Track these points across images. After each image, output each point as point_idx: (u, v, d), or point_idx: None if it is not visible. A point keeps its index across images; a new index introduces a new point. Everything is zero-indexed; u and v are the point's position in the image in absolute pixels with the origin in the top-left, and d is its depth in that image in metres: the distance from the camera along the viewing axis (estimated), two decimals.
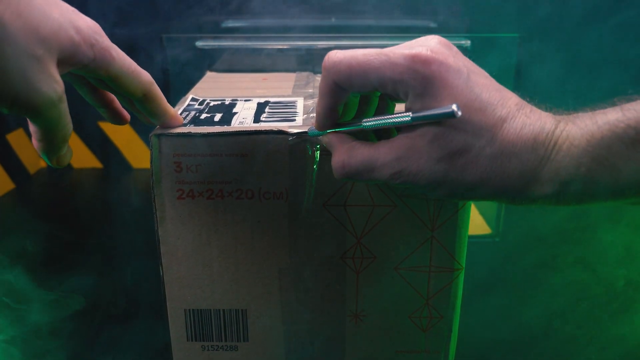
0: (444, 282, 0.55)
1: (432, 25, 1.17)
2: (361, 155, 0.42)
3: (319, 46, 0.94)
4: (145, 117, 0.51)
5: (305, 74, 0.78)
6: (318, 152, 0.50)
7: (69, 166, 1.35)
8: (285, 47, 0.95)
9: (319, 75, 0.75)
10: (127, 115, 0.52)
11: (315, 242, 0.53)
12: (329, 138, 0.45)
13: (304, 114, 0.56)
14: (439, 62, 0.39)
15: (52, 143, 0.42)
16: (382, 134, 0.47)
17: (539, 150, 0.39)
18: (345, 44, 0.93)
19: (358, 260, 0.54)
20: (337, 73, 0.41)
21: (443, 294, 0.55)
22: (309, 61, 0.90)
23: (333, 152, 0.45)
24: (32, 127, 0.42)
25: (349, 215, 0.52)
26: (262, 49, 0.98)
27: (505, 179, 0.39)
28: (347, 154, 0.43)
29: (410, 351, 0.57)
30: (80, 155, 1.35)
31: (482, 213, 1.07)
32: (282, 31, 1.16)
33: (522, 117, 0.39)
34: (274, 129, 0.50)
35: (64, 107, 0.40)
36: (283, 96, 0.64)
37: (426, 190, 0.41)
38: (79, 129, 1.32)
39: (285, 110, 0.57)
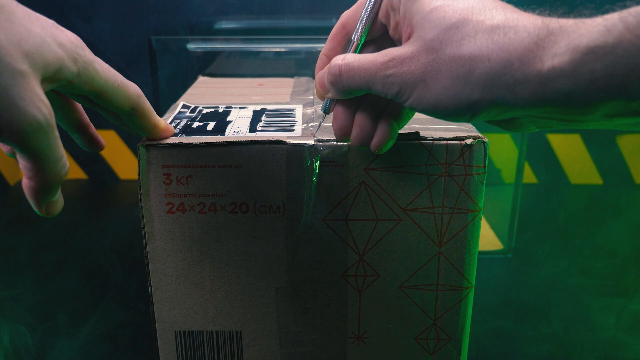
0: (452, 301, 0.55)
1: None
2: (358, 57, 0.44)
3: (319, 49, 0.94)
4: (133, 131, 0.50)
5: (304, 79, 0.79)
6: (317, 163, 0.50)
7: None
8: (282, 49, 0.95)
9: None
10: (103, 142, 0.51)
11: (314, 259, 0.53)
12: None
13: (303, 123, 0.56)
14: None
15: (43, 181, 0.40)
16: None
17: (550, 22, 0.37)
18: None
19: (360, 278, 0.54)
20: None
21: (451, 314, 0.55)
22: (308, 65, 0.90)
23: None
24: (21, 163, 0.39)
25: (350, 230, 0.52)
26: (258, 52, 0.99)
27: (511, 51, 0.37)
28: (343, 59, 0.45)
29: None
30: None
31: (493, 227, 1.07)
32: (280, 33, 1.17)
33: None
34: (272, 139, 0.50)
35: (54, 135, 0.38)
36: (281, 103, 0.64)
37: (425, 75, 0.40)
38: (62, 138, 1.32)
39: (283, 118, 0.58)
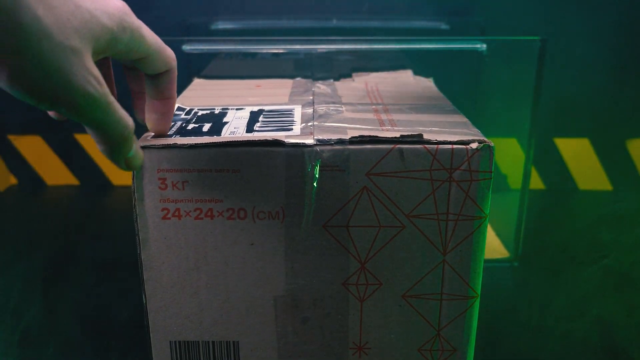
0: (457, 311, 0.55)
1: (444, 27, 1.17)
2: None
3: (319, 50, 0.94)
4: (142, 112, 0.53)
5: (303, 80, 0.79)
6: (317, 167, 0.50)
7: (42, 183, 1.35)
8: (281, 51, 0.95)
9: (319, 82, 0.76)
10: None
11: (314, 267, 0.53)
12: None
13: (301, 123, 0.56)
14: None
15: (109, 145, 0.44)
16: None
17: None
18: (347, 47, 0.94)
19: (362, 286, 0.54)
20: None
21: (456, 325, 0.55)
22: (307, 67, 0.90)
23: None
24: (88, 130, 0.43)
25: (352, 237, 0.52)
26: (255, 53, 0.99)
27: None
28: None
29: None
30: (54, 171, 1.36)
31: (499, 234, 1.07)
32: (278, 33, 1.17)
33: None
34: (269, 139, 0.50)
35: (108, 101, 0.41)
36: (279, 104, 0.64)
37: None
38: (52, 142, 1.33)
39: (281, 118, 0.58)
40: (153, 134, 0.52)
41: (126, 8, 0.45)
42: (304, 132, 0.53)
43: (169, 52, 0.49)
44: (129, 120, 0.44)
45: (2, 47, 0.35)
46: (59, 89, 0.38)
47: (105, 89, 0.41)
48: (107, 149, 0.44)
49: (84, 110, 0.40)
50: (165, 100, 0.51)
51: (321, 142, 0.50)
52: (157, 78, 0.50)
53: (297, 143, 0.50)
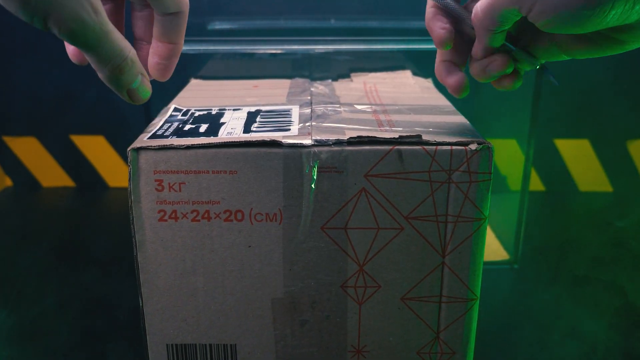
0: (456, 313, 0.55)
1: None
2: None
3: (317, 50, 0.94)
4: (144, 61, 0.52)
5: (301, 80, 0.79)
6: (315, 168, 0.50)
7: (37, 185, 1.35)
8: (279, 51, 0.95)
9: (317, 82, 0.76)
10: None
11: (312, 269, 0.53)
12: None
13: (299, 123, 0.56)
14: None
15: (105, 73, 0.45)
16: None
17: None
18: (346, 47, 0.94)
19: (361, 289, 0.54)
20: None
21: (455, 327, 0.55)
22: (305, 67, 0.90)
23: None
24: (85, 56, 0.44)
25: (350, 239, 0.52)
26: (252, 54, 0.99)
27: None
28: None
29: None
30: (49, 173, 1.36)
31: (499, 237, 1.07)
32: (276, 34, 1.17)
33: None
34: (267, 139, 0.50)
35: (105, 32, 0.42)
36: (276, 104, 0.64)
37: None
38: (47, 143, 1.33)
39: (279, 119, 0.58)
40: (149, 135, 0.52)
41: None
42: (302, 133, 0.53)
43: None
44: (128, 51, 0.45)
45: None
46: (53, 11, 0.39)
47: (102, 18, 0.42)
48: (104, 77, 0.45)
49: (76, 34, 0.41)
50: (170, 44, 0.51)
51: (319, 143, 0.50)
52: (167, 18, 0.50)
53: (294, 143, 0.50)
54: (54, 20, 0.39)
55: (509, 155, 1.10)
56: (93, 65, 0.45)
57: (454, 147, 0.50)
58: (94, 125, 1.32)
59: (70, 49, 0.50)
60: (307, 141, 0.50)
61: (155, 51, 0.51)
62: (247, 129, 0.54)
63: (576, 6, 0.42)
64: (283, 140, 0.50)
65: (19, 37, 1.22)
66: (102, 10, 0.42)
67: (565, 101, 1.24)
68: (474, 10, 0.49)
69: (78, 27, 0.40)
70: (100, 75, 0.45)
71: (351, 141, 0.50)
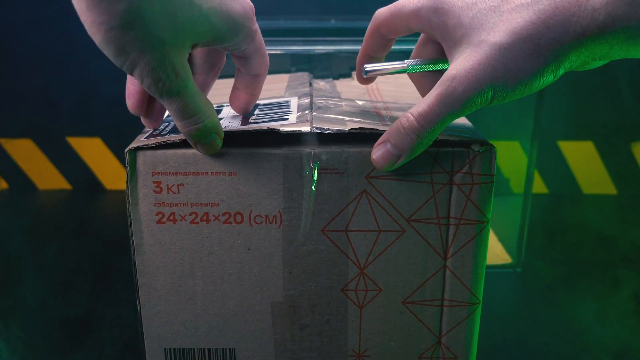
0: (458, 318, 0.55)
1: None
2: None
3: (316, 51, 0.94)
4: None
5: (299, 73, 0.79)
6: (316, 170, 0.50)
7: (34, 187, 1.35)
8: (278, 52, 0.95)
9: (318, 79, 0.76)
10: None
11: (312, 272, 0.53)
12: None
13: (298, 112, 0.56)
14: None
15: (179, 124, 0.48)
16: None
17: None
18: (346, 48, 0.94)
19: (361, 292, 0.54)
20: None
21: (457, 332, 0.55)
22: (304, 62, 0.90)
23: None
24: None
25: (351, 242, 0.52)
26: None
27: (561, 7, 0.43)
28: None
29: None
30: (45, 175, 1.35)
31: (501, 240, 1.07)
32: (276, 34, 1.17)
33: None
34: (264, 128, 0.50)
35: (182, 94, 0.46)
36: (275, 97, 0.64)
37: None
38: (44, 145, 1.33)
39: (277, 110, 0.58)
40: (147, 134, 0.53)
41: (249, 12, 0.50)
42: (300, 120, 0.53)
43: (266, 60, 0.55)
44: (204, 117, 0.48)
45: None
46: (139, 62, 0.43)
47: (181, 82, 0.45)
48: (179, 126, 0.48)
49: (161, 98, 0.46)
50: (248, 96, 0.57)
51: (319, 130, 0.50)
52: (251, 77, 0.55)
53: (292, 131, 0.50)
54: (138, 72, 0.44)
55: (511, 157, 1.10)
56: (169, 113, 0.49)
57: (456, 149, 0.50)
58: (90, 128, 1.32)
59: (129, 102, 0.52)
60: (306, 128, 0.50)
61: (236, 96, 0.57)
62: (244, 123, 0.54)
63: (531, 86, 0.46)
64: (281, 129, 0.50)
65: (17, 40, 1.22)
66: (186, 75, 0.46)
67: (568, 103, 1.24)
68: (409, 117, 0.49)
69: (154, 83, 0.44)
70: (175, 122, 0.49)
71: (353, 132, 0.50)
